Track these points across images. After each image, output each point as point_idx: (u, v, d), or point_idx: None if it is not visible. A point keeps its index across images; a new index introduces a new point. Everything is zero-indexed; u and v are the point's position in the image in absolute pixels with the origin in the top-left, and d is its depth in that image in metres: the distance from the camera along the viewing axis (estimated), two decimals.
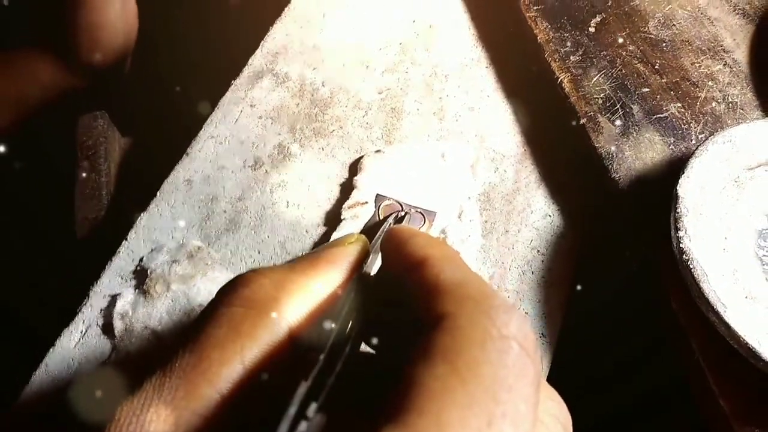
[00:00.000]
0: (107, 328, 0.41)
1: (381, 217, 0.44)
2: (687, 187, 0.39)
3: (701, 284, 0.35)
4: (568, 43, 0.49)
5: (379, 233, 0.40)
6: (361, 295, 0.29)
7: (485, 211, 0.46)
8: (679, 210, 0.38)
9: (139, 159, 0.57)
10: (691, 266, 0.36)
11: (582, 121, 0.46)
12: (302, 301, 0.27)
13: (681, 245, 0.37)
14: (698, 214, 0.38)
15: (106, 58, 0.69)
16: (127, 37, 0.71)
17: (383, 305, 0.29)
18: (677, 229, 0.37)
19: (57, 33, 0.67)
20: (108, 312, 0.41)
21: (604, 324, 0.50)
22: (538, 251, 0.45)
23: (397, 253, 0.28)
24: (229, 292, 0.27)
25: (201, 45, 0.66)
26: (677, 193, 0.38)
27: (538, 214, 0.46)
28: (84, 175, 0.51)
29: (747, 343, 0.34)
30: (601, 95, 0.47)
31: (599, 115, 0.46)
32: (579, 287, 0.44)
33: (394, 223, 0.43)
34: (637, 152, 0.45)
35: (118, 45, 0.69)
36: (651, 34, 0.50)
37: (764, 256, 0.38)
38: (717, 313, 0.35)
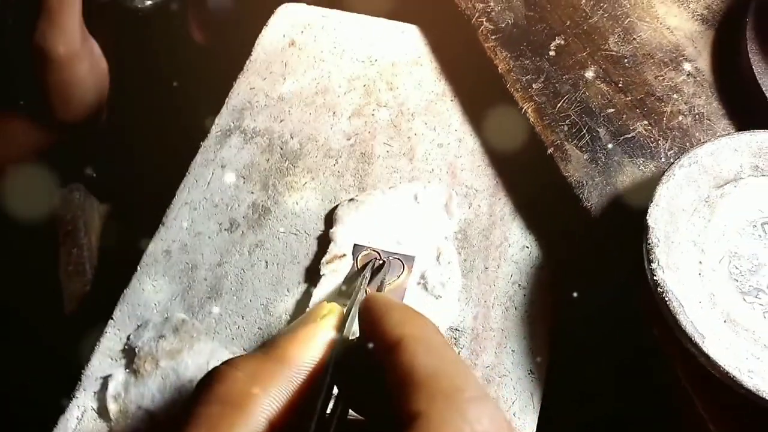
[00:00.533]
0: (102, 411, 0.42)
1: (359, 269, 0.44)
2: (656, 215, 0.39)
3: (678, 316, 0.36)
4: (530, 71, 0.49)
5: (356, 289, 0.41)
6: (342, 367, 0.30)
7: (463, 250, 0.46)
8: (650, 241, 0.38)
9: (120, 224, 0.57)
10: (666, 299, 0.36)
11: (549, 150, 0.46)
12: (279, 390, 0.28)
13: (655, 278, 0.37)
14: (670, 243, 0.38)
15: (79, 114, 0.69)
16: (98, 91, 0.71)
17: (366, 373, 0.29)
18: (650, 261, 0.37)
19: (29, 93, 0.68)
20: (101, 395, 0.42)
21: (602, 326, 0.50)
22: (519, 285, 0.45)
23: (372, 331, 0.29)
24: (205, 389, 0.27)
25: (173, 102, 0.66)
26: (647, 224, 0.38)
27: (516, 247, 0.46)
28: (66, 251, 0.51)
29: (727, 373, 0.34)
30: (566, 122, 0.47)
31: (566, 143, 0.46)
32: (575, 294, 0.44)
33: (373, 274, 0.43)
34: (606, 177, 0.45)
35: (90, 100, 0.70)
36: (612, 51, 0.50)
37: (740, 275, 0.38)
38: (695, 345, 0.35)
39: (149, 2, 0.79)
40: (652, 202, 0.39)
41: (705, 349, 0.35)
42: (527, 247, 0.46)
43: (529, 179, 0.48)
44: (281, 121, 0.52)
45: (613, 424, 0.48)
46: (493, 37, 0.51)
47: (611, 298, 0.47)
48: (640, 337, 0.48)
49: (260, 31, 0.58)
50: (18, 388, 0.54)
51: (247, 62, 0.55)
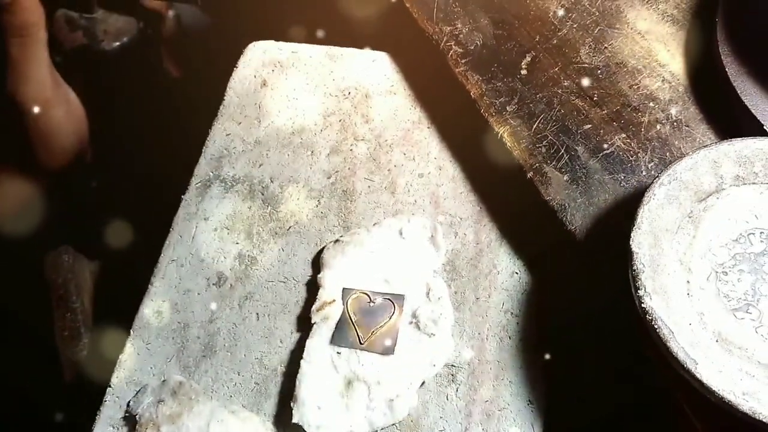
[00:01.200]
0: None
1: (350, 313, 0.44)
2: (640, 239, 0.38)
3: (668, 343, 0.35)
4: (502, 93, 0.49)
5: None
6: None
7: (453, 281, 0.46)
8: (635, 267, 0.38)
9: (113, 280, 0.57)
10: (655, 326, 0.36)
11: (529, 174, 0.45)
12: None
13: (643, 305, 0.36)
14: (656, 266, 0.38)
15: (62, 159, 0.70)
16: (78, 135, 0.72)
17: None
18: (636, 288, 0.37)
19: (13, 144, 0.68)
20: None
21: (603, 327, 0.50)
22: (512, 314, 0.45)
23: None
24: None
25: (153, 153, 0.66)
26: (631, 249, 0.38)
27: (505, 274, 0.46)
28: (60, 316, 0.51)
29: (722, 398, 0.34)
30: (544, 143, 0.46)
31: (545, 165, 0.46)
32: (571, 303, 0.44)
33: (362, 317, 0.44)
34: (588, 197, 0.44)
35: (71, 145, 0.70)
36: (584, 63, 0.50)
37: (730, 291, 0.38)
38: (688, 371, 0.35)
39: (116, 44, 0.78)
40: (634, 225, 0.39)
41: (698, 375, 0.34)
42: (516, 272, 0.46)
43: (512, 202, 0.48)
44: (260, 165, 0.52)
45: (609, 428, 0.48)
46: (463, 61, 0.50)
47: (603, 313, 0.47)
48: (635, 342, 0.48)
49: (232, 68, 0.58)
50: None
51: (221, 107, 0.55)
